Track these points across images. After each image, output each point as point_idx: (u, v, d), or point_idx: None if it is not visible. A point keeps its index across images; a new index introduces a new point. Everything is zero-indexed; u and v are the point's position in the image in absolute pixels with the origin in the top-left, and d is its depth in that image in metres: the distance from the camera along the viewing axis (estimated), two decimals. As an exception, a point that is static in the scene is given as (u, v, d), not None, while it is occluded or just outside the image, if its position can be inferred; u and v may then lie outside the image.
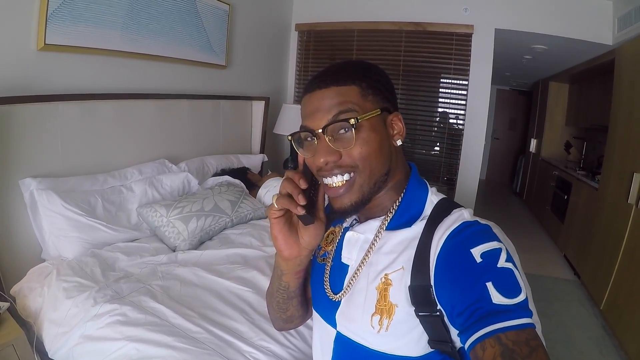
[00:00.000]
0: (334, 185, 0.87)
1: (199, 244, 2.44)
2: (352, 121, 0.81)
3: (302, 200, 0.83)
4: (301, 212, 0.83)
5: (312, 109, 0.86)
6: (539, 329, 0.69)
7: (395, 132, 0.90)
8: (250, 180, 3.36)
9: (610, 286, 3.25)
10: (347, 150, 0.84)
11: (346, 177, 0.86)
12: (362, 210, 0.94)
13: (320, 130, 0.83)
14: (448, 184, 4.44)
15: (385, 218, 0.92)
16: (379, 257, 0.90)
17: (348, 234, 0.98)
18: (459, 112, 4.32)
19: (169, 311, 1.67)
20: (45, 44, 2.17)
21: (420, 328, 0.82)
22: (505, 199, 8.29)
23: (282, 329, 1.24)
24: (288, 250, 0.93)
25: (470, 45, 4.09)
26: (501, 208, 7.34)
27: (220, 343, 1.52)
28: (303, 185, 0.85)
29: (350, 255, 0.96)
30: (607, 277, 3.29)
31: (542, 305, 3.50)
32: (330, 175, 0.86)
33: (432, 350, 0.82)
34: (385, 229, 0.92)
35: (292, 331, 1.61)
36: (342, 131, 0.84)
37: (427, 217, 0.88)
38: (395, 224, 0.91)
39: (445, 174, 4.48)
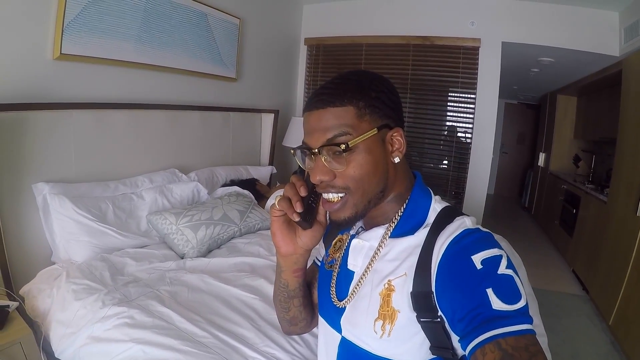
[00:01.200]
0: (330, 199, 0.89)
1: (207, 252, 2.45)
2: (343, 146, 0.82)
3: (299, 208, 0.87)
4: (296, 218, 0.88)
5: (310, 128, 0.88)
6: (544, 342, 0.70)
7: (394, 148, 0.90)
8: (259, 191, 3.38)
9: (619, 301, 3.21)
10: (340, 172, 0.86)
11: (341, 194, 0.88)
12: (359, 222, 0.98)
13: (316, 150, 0.86)
14: (456, 198, 4.42)
15: (389, 226, 0.94)
16: (383, 264, 0.92)
17: (354, 242, 1.00)
18: (467, 125, 4.32)
19: (176, 315, 1.69)
20: (61, 53, 2.23)
21: (422, 334, 0.83)
22: (514, 213, 8.22)
23: (289, 333, 1.25)
24: (285, 247, 0.98)
25: (478, 59, 4.10)
26: (509, 223, 7.28)
27: (226, 348, 1.53)
28: (303, 192, 0.89)
29: (355, 262, 0.98)
30: (616, 292, 3.25)
31: (550, 321, 3.47)
32: (326, 192, 0.89)
33: (434, 357, 0.83)
34: (390, 237, 0.93)
35: (297, 338, 1.62)
36: (336, 153, 0.85)
37: (430, 225, 0.89)
38: (399, 232, 0.92)
39: (453, 188, 4.46)
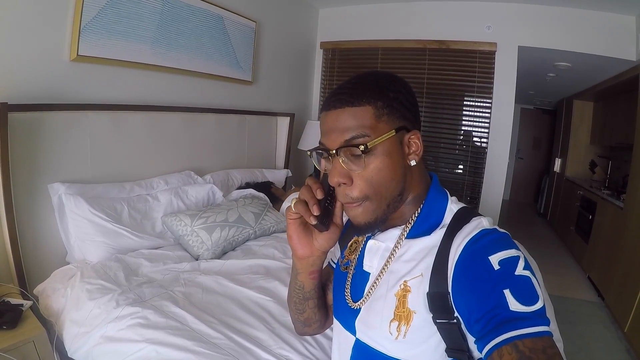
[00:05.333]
0: (348, 202, 0.88)
1: (221, 254, 2.46)
2: (362, 147, 0.81)
3: (316, 211, 0.86)
4: (314, 221, 0.87)
5: (327, 128, 0.87)
6: (561, 347, 0.69)
7: (411, 150, 0.89)
8: (274, 194, 3.39)
9: (635, 308, 3.17)
10: (358, 174, 0.85)
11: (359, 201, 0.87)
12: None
13: (334, 151, 0.85)
14: (471, 204, 4.37)
15: (405, 227, 0.93)
16: (399, 265, 0.91)
17: (369, 243, 0.99)
18: (482, 130, 4.29)
19: (190, 316, 1.69)
20: (77, 55, 2.25)
21: (438, 336, 0.82)
22: (529, 219, 8.17)
23: (302, 333, 1.24)
24: (301, 249, 0.97)
25: (494, 63, 4.08)
26: (525, 229, 7.22)
27: (239, 349, 1.53)
28: (319, 195, 0.88)
29: (371, 263, 0.97)
30: (632, 299, 3.22)
31: (566, 327, 3.43)
32: (345, 200, 0.88)
33: (450, 359, 0.82)
34: (406, 238, 0.92)
35: (311, 341, 1.61)
36: (355, 155, 0.84)
37: (446, 226, 0.89)
38: (415, 233, 0.91)
39: (468, 194, 4.43)
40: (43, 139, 2.14)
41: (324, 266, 1.14)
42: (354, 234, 1.09)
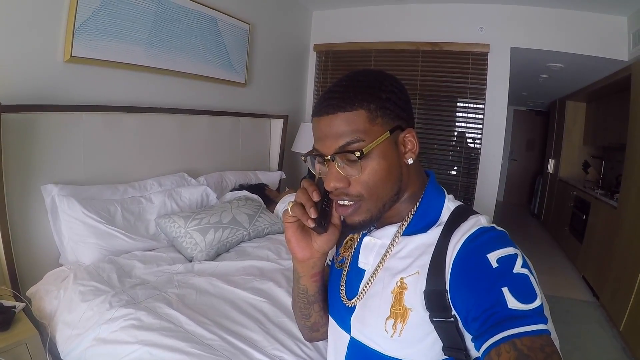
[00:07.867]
0: (343, 203, 0.87)
1: (215, 256, 2.45)
2: (357, 154, 0.80)
3: (313, 214, 0.85)
4: (311, 224, 0.86)
5: (321, 134, 0.86)
6: (557, 346, 0.68)
7: (407, 149, 0.88)
8: (268, 196, 3.39)
9: (630, 307, 3.18)
10: (355, 178, 0.84)
11: (354, 200, 0.87)
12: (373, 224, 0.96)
13: (329, 157, 0.84)
14: (465, 205, 4.38)
15: (402, 224, 0.92)
16: (395, 262, 0.90)
17: (365, 240, 0.98)
18: (476, 132, 4.30)
19: (183, 318, 1.68)
20: (71, 56, 2.24)
21: (435, 334, 0.81)
22: (523, 220, 8.19)
23: (311, 340, 1.24)
24: (301, 252, 0.95)
25: (487, 65, 4.09)
26: (519, 230, 7.22)
27: (234, 350, 1.52)
28: (315, 197, 0.86)
29: (367, 260, 0.96)
30: (627, 298, 3.22)
31: (561, 327, 3.41)
32: (340, 200, 0.87)
33: (447, 357, 0.82)
34: (402, 235, 0.91)
35: (306, 342, 1.60)
36: (350, 160, 0.83)
37: (443, 223, 0.88)
38: (412, 230, 0.91)
39: (462, 195, 4.42)
40: (36, 140, 2.12)
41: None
42: (348, 231, 1.08)
